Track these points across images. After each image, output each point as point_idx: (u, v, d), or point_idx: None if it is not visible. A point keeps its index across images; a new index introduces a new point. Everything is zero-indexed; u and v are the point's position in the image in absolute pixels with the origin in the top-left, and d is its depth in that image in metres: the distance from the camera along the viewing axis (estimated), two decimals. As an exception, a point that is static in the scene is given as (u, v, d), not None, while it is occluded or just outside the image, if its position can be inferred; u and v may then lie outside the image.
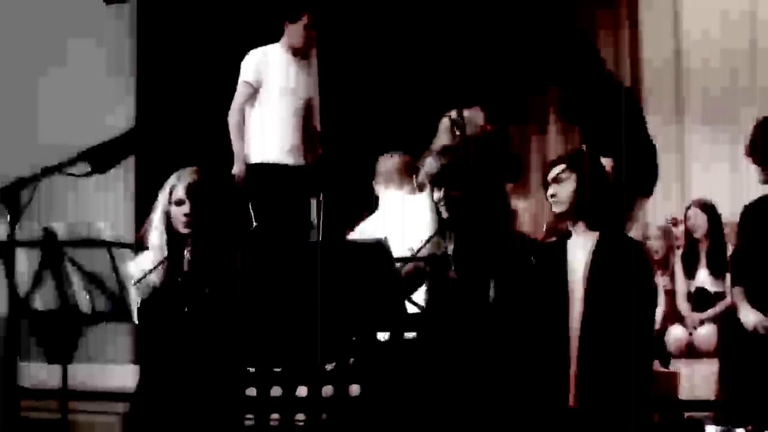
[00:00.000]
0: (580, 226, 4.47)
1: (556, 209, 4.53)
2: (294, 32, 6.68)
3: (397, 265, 4.26)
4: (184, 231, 4.43)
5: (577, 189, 4.44)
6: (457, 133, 6.30)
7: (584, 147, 5.53)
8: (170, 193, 4.47)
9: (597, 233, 4.43)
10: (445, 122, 6.47)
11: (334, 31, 7.95)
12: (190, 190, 4.43)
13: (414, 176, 5.71)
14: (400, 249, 4.55)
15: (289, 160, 6.64)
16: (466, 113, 6.42)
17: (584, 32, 6.07)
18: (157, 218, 4.47)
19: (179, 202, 4.44)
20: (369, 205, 5.78)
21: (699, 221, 6.93)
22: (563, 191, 4.48)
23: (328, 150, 7.57)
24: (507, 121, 6.52)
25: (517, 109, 7.93)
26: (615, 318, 4.28)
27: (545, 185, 4.57)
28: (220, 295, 4.36)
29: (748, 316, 5.09)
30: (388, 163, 5.79)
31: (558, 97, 5.89)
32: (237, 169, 6.61)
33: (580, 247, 4.43)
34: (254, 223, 6.49)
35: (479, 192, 4.33)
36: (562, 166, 4.52)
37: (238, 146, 6.64)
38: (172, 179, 4.51)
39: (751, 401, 4.93)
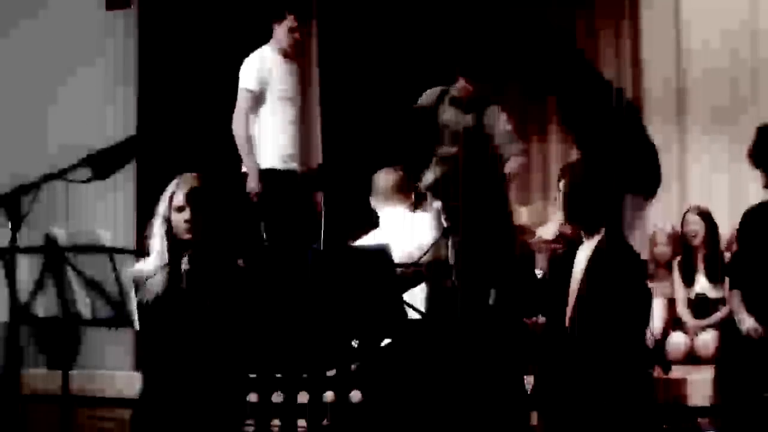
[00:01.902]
0: (582, 231, 4.50)
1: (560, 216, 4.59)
2: (280, 33, 6.60)
3: (399, 271, 4.27)
4: (186, 237, 4.43)
5: (564, 195, 4.49)
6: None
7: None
8: (170, 200, 4.46)
9: (597, 238, 4.45)
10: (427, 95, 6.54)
11: (336, 38, 7.95)
12: (190, 196, 4.42)
13: (412, 192, 5.69)
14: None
15: (287, 165, 6.59)
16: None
17: (571, 34, 6.05)
18: (158, 225, 4.47)
19: (180, 209, 4.43)
20: (371, 213, 5.77)
21: (698, 227, 6.92)
22: (558, 198, 4.54)
23: (329, 156, 7.58)
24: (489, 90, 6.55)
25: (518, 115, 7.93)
26: (602, 321, 4.30)
27: None
28: (221, 301, 4.36)
29: (744, 321, 5.10)
30: (386, 180, 5.72)
31: (556, 106, 5.89)
32: (252, 184, 6.46)
33: (583, 253, 4.46)
34: (264, 237, 6.39)
35: (479, 201, 4.34)
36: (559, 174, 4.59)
37: (249, 160, 6.49)
38: (172, 185, 4.50)
39: (749, 407, 4.93)
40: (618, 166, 5.10)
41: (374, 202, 5.72)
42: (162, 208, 4.47)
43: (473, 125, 6.61)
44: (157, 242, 4.45)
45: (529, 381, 4.48)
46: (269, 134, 6.57)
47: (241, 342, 4.43)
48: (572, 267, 4.48)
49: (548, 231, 5.39)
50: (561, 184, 4.53)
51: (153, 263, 4.41)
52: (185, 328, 4.35)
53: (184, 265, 4.41)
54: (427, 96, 6.76)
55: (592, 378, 4.28)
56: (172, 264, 4.41)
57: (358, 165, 7.39)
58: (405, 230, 5.00)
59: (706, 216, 6.92)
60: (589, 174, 4.56)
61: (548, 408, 4.40)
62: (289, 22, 6.58)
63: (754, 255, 5.15)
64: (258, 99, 6.55)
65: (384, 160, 6.17)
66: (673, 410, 5.47)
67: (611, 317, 4.29)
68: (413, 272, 4.43)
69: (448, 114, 6.66)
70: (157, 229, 4.46)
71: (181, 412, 4.34)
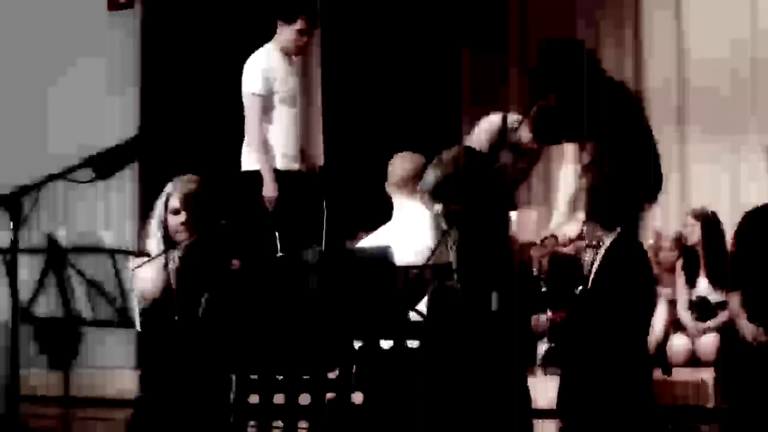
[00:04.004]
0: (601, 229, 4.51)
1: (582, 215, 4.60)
2: (287, 34, 6.48)
3: (402, 273, 4.26)
4: (181, 239, 4.43)
5: (588, 192, 4.49)
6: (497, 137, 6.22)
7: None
8: (166, 202, 4.47)
9: (612, 237, 4.46)
10: (489, 122, 6.36)
11: (338, 33, 7.94)
12: (185, 199, 4.43)
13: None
14: (412, 259, 4.53)
15: (289, 166, 6.55)
16: (510, 118, 6.32)
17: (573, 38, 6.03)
18: (154, 227, 4.48)
19: (175, 211, 4.44)
20: (376, 213, 5.71)
21: (693, 229, 6.93)
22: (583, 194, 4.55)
23: (332, 155, 7.57)
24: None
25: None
26: (605, 321, 4.31)
27: None
28: (218, 302, 4.37)
29: (745, 327, 5.07)
30: (403, 166, 5.53)
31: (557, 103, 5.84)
32: (269, 190, 6.35)
33: (600, 252, 4.48)
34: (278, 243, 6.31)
35: (479, 205, 4.32)
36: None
37: (266, 166, 6.36)
38: (168, 188, 4.51)
39: (751, 410, 4.92)
40: (635, 168, 5.09)
41: (389, 189, 5.55)
42: (158, 210, 4.48)
43: (527, 168, 6.54)
44: (154, 244, 4.46)
45: (532, 383, 4.49)
46: (271, 135, 6.52)
47: (239, 343, 4.43)
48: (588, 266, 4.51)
49: (572, 229, 5.37)
50: (583, 181, 4.52)
51: (149, 264, 4.41)
52: (182, 330, 4.35)
53: (175, 263, 4.41)
54: (489, 134, 6.51)
55: (595, 377, 4.30)
56: (167, 265, 4.42)
57: (360, 165, 7.39)
58: (418, 225, 4.92)
59: (704, 218, 6.91)
60: (613, 173, 4.56)
61: (570, 412, 4.41)
62: (299, 24, 6.50)
63: (754, 258, 5.13)
64: (267, 101, 6.45)
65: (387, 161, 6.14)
66: (673, 413, 5.47)
67: (613, 317, 4.30)
68: (415, 278, 4.41)
69: (506, 157, 6.49)
70: (154, 230, 4.47)
71: (176, 412, 4.34)
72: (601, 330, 4.33)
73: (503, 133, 6.31)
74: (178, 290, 4.39)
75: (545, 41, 6.17)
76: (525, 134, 6.23)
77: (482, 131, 6.38)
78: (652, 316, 4.89)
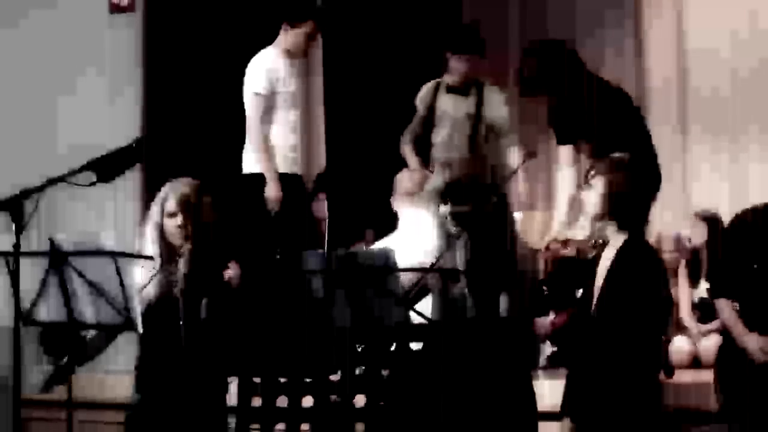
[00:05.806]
0: (612, 229, 4.49)
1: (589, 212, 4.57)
2: (293, 36, 6.50)
3: (408, 276, 4.27)
4: (178, 243, 4.42)
5: (610, 192, 4.46)
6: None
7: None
8: (162, 205, 4.46)
9: (623, 238, 4.45)
10: (423, 92, 6.50)
11: (340, 35, 7.95)
12: (181, 202, 4.42)
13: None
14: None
15: (291, 168, 6.55)
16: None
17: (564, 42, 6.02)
18: (150, 230, 4.47)
19: (171, 215, 4.43)
20: (378, 216, 5.71)
21: (696, 231, 6.92)
22: (593, 194, 4.52)
23: (334, 158, 7.57)
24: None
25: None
26: (620, 325, 4.30)
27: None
28: (218, 306, 4.36)
29: (749, 338, 4.94)
30: (410, 180, 5.59)
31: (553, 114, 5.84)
32: (272, 190, 6.36)
33: (607, 253, 4.46)
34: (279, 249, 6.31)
35: (485, 206, 4.33)
36: (592, 172, 4.54)
37: (268, 165, 6.37)
38: (164, 190, 4.50)
39: (752, 413, 4.91)
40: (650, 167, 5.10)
41: (395, 203, 5.59)
42: (154, 213, 4.47)
43: (474, 111, 6.56)
44: (150, 247, 4.45)
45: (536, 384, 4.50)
46: (272, 136, 6.52)
47: (237, 345, 4.43)
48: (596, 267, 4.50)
49: (579, 233, 5.38)
50: (595, 180, 4.50)
51: (151, 268, 4.41)
52: (179, 333, 4.35)
53: (182, 269, 4.40)
54: (424, 92, 6.71)
55: (604, 380, 4.29)
56: (165, 269, 4.41)
57: (362, 169, 7.39)
58: (426, 233, 4.94)
59: (708, 220, 6.90)
60: (635, 173, 4.54)
61: (579, 413, 4.41)
62: (307, 27, 6.50)
63: (749, 263, 5.03)
64: (270, 101, 6.45)
65: (388, 164, 6.15)
66: (674, 415, 5.47)
67: (628, 319, 4.29)
68: (418, 280, 4.42)
69: (445, 103, 6.62)
70: (150, 234, 4.46)
71: (172, 415, 4.34)
72: (617, 329, 4.30)
73: (436, 89, 6.47)
74: (182, 294, 4.38)
75: (534, 43, 6.20)
76: (452, 67, 6.33)
77: (418, 100, 6.56)
78: (670, 314, 4.86)
